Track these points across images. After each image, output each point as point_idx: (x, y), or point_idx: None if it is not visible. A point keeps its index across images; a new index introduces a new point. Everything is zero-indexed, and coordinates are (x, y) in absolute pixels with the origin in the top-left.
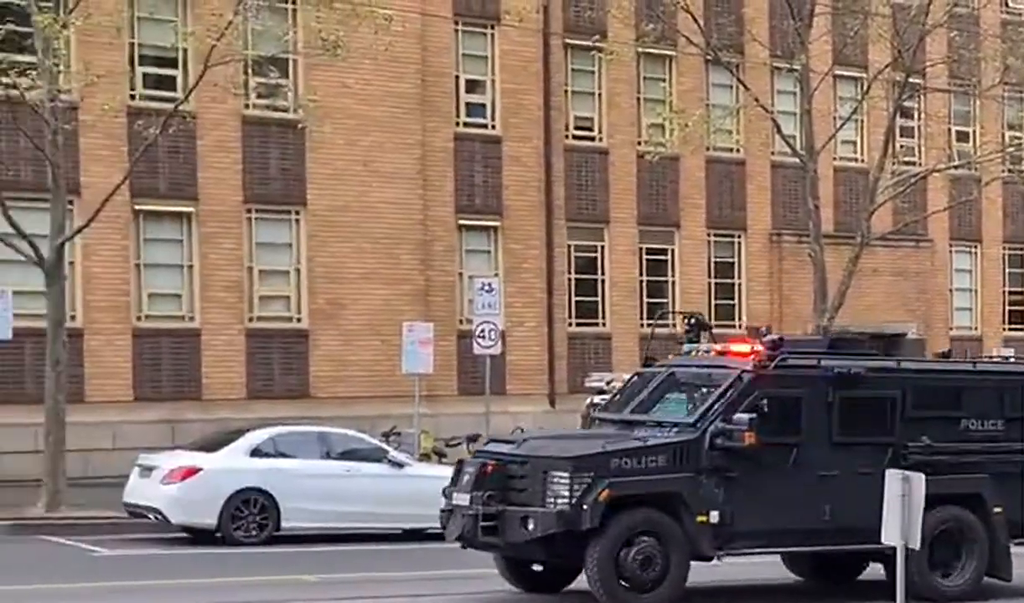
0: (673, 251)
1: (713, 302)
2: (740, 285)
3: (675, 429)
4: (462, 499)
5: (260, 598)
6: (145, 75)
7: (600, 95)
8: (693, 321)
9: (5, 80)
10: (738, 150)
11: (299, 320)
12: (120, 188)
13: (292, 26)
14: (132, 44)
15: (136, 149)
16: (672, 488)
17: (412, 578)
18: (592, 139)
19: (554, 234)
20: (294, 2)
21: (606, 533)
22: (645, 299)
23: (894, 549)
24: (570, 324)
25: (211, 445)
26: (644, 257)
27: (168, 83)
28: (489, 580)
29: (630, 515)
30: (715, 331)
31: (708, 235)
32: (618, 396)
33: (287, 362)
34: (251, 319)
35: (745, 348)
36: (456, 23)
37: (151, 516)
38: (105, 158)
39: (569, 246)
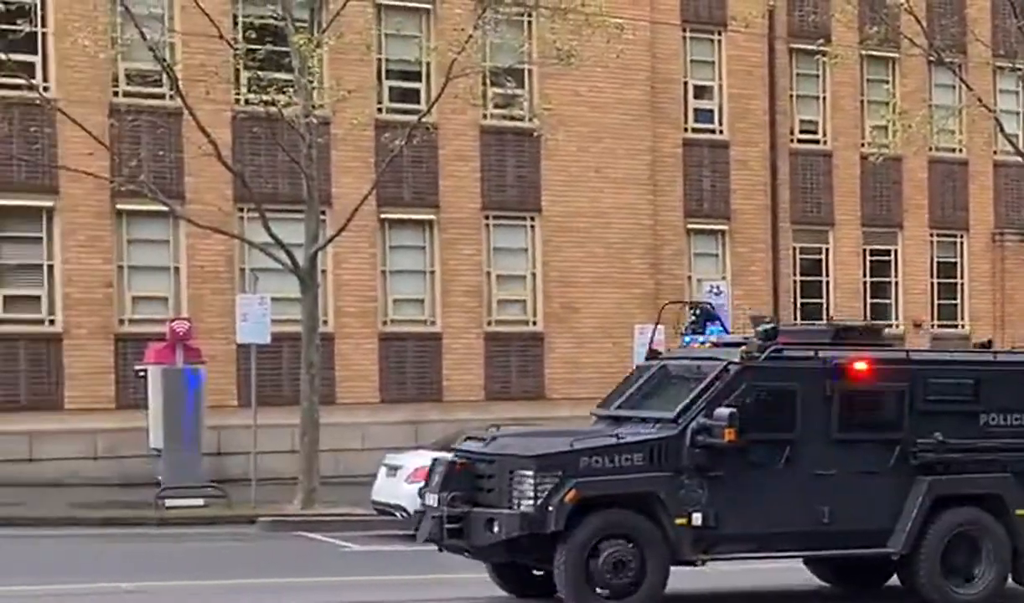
0: (896, 252)
1: (936, 302)
2: (962, 285)
3: (657, 425)
4: (431, 500)
5: (497, 594)
6: (391, 89)
7: (824, 98)
8: (698, 311)
9: (265, 98)
10: (960, 150)
11: (534, 323)
12: (368, 198)
13: (527, 38)
14: (379, 60)
15: (382, 160)
16: (647, 488)
17: None
18: (816, 142)
19: (780, 237)
20: (530, 14)
21: (574, 536)
22: (868, 300)
23: (900, 554)
24: (796, 325)
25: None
26: (868, 258)
27: (412, 96)
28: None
29: (600, 517)
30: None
31: (931, 235)
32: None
33: (523, 364)
34: (489, 322)
35: (739, 339)
36: (684, 30)
37: (397, 514)
38: (354, 169)
39: (794, 248)
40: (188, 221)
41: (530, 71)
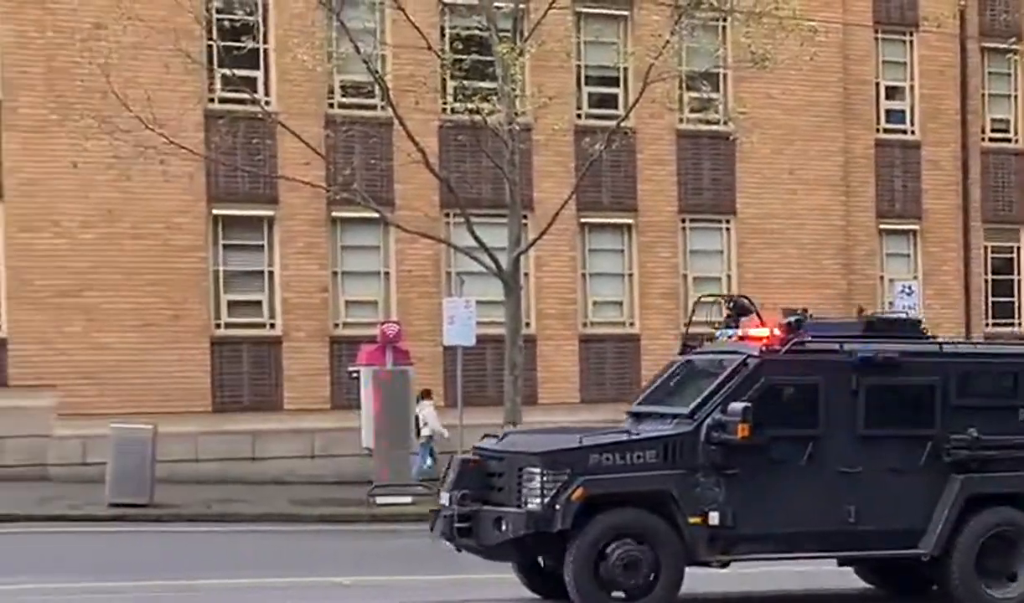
0: None
1: None
2: None
3: (674, 421)
4: (444, 498)
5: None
6: (590, 95)
7: (1016, 97)
8: (732, 304)
9: (470, 106)
10: None
11: None
12: (568, 202)
13: (722, 42)
14: (579, 66)
15: (582, 165)
16: (659, 486)
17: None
18: (1008, 141)
19: (971, 236)
20: (724, 19)
21: (583, 535)
22: None
23: (931, 555)
24: (987, 325)
25: None
26: None
27: (610, 101)
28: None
29: (610, 516)
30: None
31: None
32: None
33: None
34: (685, 324)
35: (764, 332)
36: (876, 31)
37: None
38: (555, 174)
39: (985, 247)
40: (397, 227)
41: (725, 75)
